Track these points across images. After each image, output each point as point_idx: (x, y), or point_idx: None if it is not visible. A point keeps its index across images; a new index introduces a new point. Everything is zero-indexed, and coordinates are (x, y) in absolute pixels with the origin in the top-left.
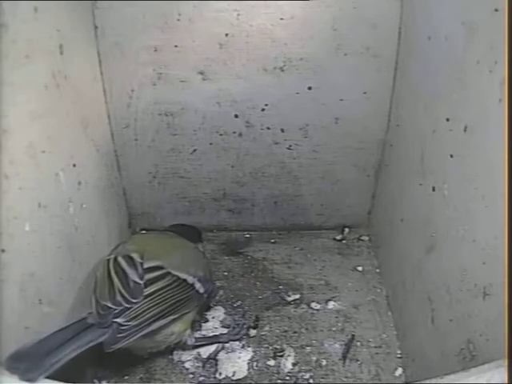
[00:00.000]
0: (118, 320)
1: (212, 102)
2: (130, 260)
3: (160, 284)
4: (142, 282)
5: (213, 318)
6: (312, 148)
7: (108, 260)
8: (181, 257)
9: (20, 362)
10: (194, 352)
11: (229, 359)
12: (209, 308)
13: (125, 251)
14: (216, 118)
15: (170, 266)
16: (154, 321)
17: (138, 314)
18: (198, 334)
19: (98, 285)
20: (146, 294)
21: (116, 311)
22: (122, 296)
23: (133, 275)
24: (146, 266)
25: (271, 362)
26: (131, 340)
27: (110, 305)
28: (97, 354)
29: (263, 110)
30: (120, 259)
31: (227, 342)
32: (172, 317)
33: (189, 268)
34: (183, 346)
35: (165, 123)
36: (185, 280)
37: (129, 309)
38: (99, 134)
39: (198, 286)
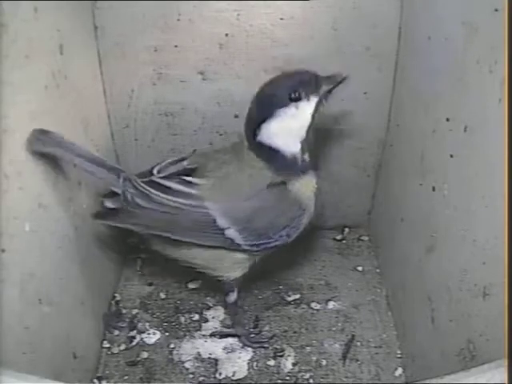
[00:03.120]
0: (131, 190)
1: (212, 102)
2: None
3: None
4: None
5: (213, 318)
6: None
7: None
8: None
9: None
10: (194, 352)
11: (229, 359)
12: (209, 308)
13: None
14: (216, 117)
15: (204, 191)
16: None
17: (148, 195)
18: (198, 334)
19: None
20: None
21: (136, 183)
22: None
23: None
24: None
25: (271, 362)
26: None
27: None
28: (97, 353)
29: None
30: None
31: (242, 343)
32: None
33: (226, 203)
34: (226, 295)
35: (165, 123)
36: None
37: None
38: (99, 133)
39: (222, 222)
